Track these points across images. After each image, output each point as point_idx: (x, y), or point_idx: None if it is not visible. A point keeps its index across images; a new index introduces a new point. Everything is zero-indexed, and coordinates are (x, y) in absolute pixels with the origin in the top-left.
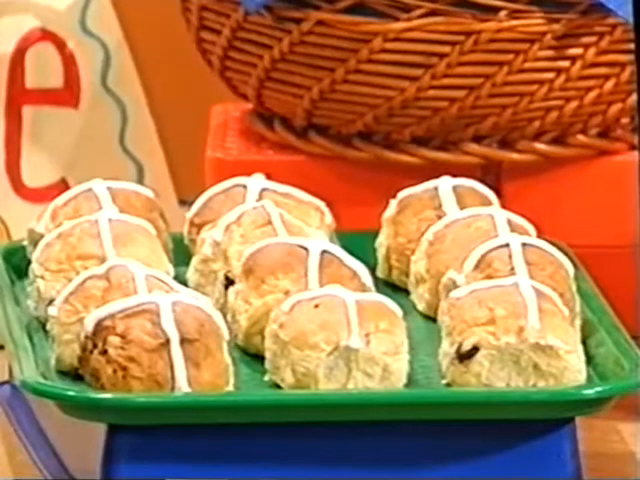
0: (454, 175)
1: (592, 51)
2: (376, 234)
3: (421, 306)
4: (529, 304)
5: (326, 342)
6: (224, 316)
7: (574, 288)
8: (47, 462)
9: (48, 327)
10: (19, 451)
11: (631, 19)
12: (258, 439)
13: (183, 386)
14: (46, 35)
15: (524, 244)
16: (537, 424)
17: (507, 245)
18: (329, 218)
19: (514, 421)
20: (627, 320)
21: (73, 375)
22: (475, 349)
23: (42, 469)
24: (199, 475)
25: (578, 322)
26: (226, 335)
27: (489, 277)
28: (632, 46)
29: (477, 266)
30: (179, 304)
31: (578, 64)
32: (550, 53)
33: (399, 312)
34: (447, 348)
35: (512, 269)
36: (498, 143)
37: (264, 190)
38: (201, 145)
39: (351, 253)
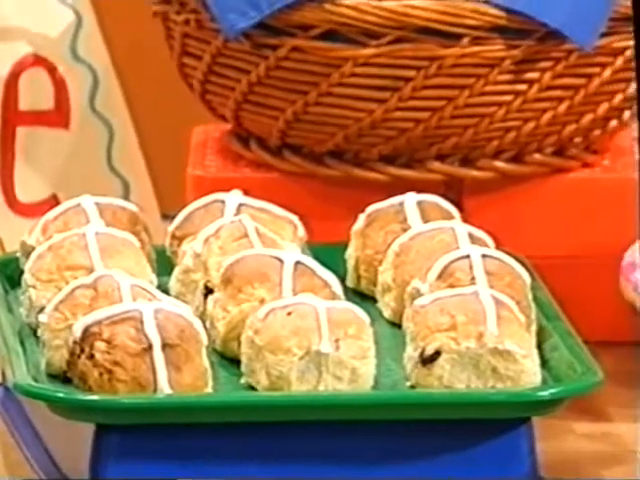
0: (418, 191)
1: (548, 75)
2: (346, 246)
3: (387, 313)
4: (488, 311)
5: (298, 347)
6: (203, 323)
7: (530, 296)
8: (40, 460)
9: (39, 333)
10: (13, 450)
11: (588, 46)
12: (236, 438)
13: (165, 388)
14: (38, 60)
15: (484, 255)
16: (496, 424)
17: (468, 256)
18: (302, 231)
19: (474, 421)
20: (579, 326)
21: (62, 378)
22: (437, 353)
23: (35, 467)
24: (182, 472)
25: (534, 328)
26: (205, 340)
27: (451, 286)
28: (630, 43)
29: (440, 276)
30: (161, 312)
31: (535, 87)
32: (509, 77)
33: (367, 319)
34: (411, 352)
35: (473, 279)
36: (460, 161)
37: (241, 205)
38: (183, 163)
39: (322, 264)
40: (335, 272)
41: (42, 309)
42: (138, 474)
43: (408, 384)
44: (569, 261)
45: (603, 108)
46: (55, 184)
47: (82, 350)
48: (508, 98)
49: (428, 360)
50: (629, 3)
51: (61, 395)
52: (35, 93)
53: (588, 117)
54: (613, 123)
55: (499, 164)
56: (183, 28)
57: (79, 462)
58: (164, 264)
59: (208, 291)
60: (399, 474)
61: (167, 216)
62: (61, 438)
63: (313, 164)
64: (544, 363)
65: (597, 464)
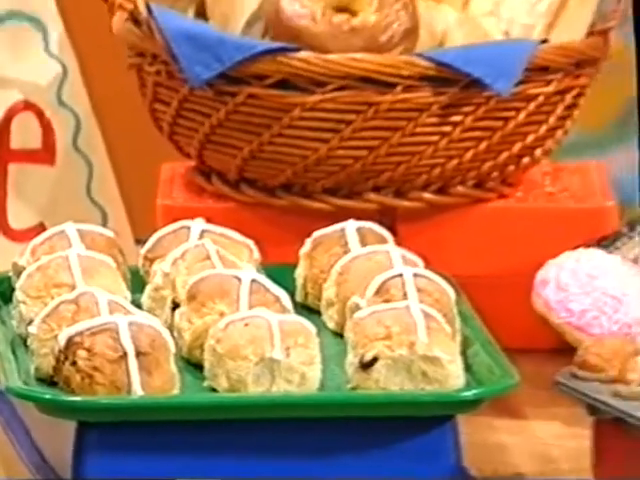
0: (357, 219)
1: (470, 118)
2: (295, 267)
3: (331, 325)
4: (418, 323)
5: (254, 354)
6: (171, 333)
7: (455, 310)
8: (30, 454)
9: (28, 343)
10: (6, 445)
11: (505, 93)
12: (200, 434)
13: (138, 390)
14: (28, 106)
15: (415, 274)
16: (425, 421)
17: (401, 275)
18: (257, 254)
19: (407, 418)
20: (498, 335)
21: (49, 382)
22: (375, 359)
23: (25, 460)
24: (153, 462)
25: (458, 337)
26: (173, 349)
27: (386, 301)
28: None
29: (376, 292)
30: (135, 324)
31: (458, 129)
32: (436, 120)
33: (313, 330)
34: (352, 359)
35: (405, 295)
36: (393, 193)
37: (204, 231)
38: (153, 195)
39: (275, 282)
40: (286, 289)
41: (31, 322)
42: (115, 465)
43: (349, 386)
44: (489, 279)
45: (517, 147)
46: (42, 213)
47: (66, 357)
48: (435, 138)
49: (367, 365)
50: (543, 55)
51: (48, 397)
52: (25, 134)
53: (504, 155)
54: (526, 160)
55: (427, 195)
56: (155, 78)
57: (64, 455)
58: (137, 282)
59: (175, 306)
60: (342, 466)
61: (140, 240)
62: (48, 434)
63: (266, 196)
64: (467, 368)
65: (513, 456)
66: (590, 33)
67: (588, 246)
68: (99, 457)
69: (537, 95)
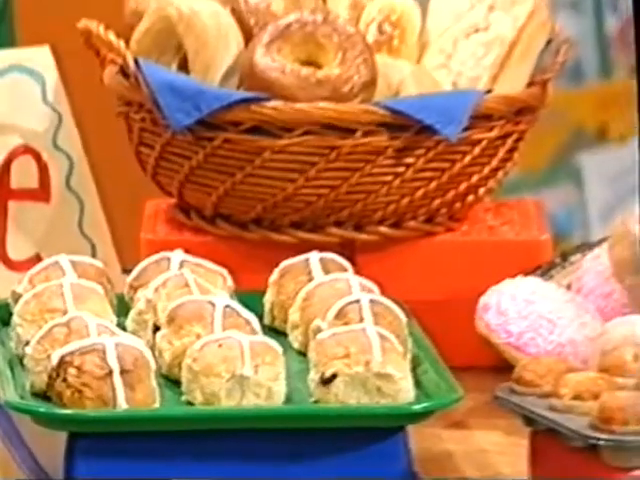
0: (320, 250)
1: (421, 160)
2: (264, 293)
3: (296, 345)
4: (374, 344)
5: (226, 371)
6: (153, 353)
7: (406, 331)
8: (26, 461)
9: (25, 362)
10: (4, 452)
11: (452, 138)
12: (178, 442)
13: (122, 404)
14: (27, 150)
15: (371, 300)
16: (379, 431)
17: (358, 301)
18: (230, 282)
19: (363, 429)
20: (445, 354)
21: (43, 396)
22: (334, 376)
23: (22, 467)
24: (136, 469)
25: (409, 356)
26: (154, 367)
27: (345, 324)
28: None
29: (337, 316)
30: (120, 344)
31: (411, 170)
32: (391, 162)
33: (280, 349)
34: (314, 375)
35: (362, 318)
36: (352, 227)
37: (183, 262)
38: (138, 229)
39: (246, 307)
40: (255, 313)
41: (27, 343)
42: (101, 471)
43: (311, 400)
44: (437, 304)
45: (463, 186)
46: (38, 245)
47: (58, 375)
48: (390, 178)
49: (327, 381)
50: (487, 103)
51: (42, 410)
52: (24, 175)
53: (451, 193)
54: (471, 197)
55: (382, 229)
56: (140, 124)
57: (56, 462)
58: (123, 307)
59: (156, 328)
60: (305, 471)
61: (126, 270)
62: (42, 443)
63: (239, 229)
64: (417, 383)
65: (458, 462)
66: (530, 84)
67: (526, 274)
68: (87, 463)
69: (481, 140)
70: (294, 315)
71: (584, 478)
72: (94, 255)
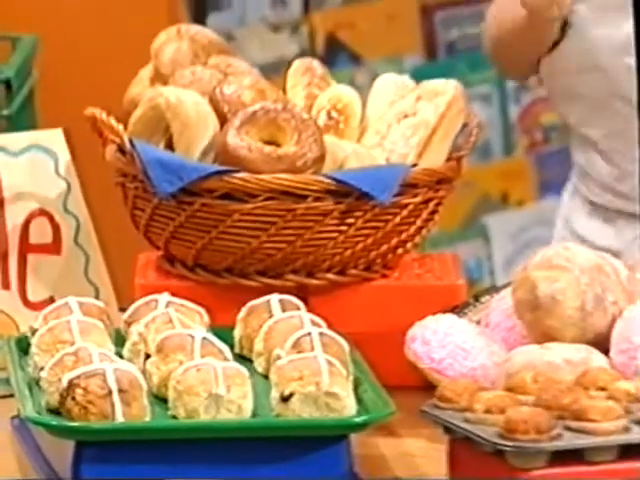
0: (280, 293)
1: (360, 220)
2: (233, 328)
3: (260, 370)
4: (323, 368)
5: (204, 391)
6: (144, 376)
7: (349, 358)
8: (41, 465)
9: (40, 384)
10: (24, 458)
11: (385, 202)
12: (165, 449)
13: (120, 418)
14: (42, 213)
15: (320, 333)
16: (328, 439)
17: (310, 334)
18: (206, 319)
19: (315, 437)
20: (381, 376)
21: (55, 412)
22: (291, 395)
23: (38, 469)
24: (133, 472)
25: (351, 378)
26: (145, 387)
27: (299, 352)
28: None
29: (293, 346)
30: (118, 369)
31: (352, 228)
32: (336, 222)
33: (247, 373)
34: (275, 394)
35: (313, 347)
36: (305, 274)
37: (169, 302)
38: (132, 276)
39: (219, 339)
40: (227, 344)
41: (42, 368)
42: (103, 472)
43: (273, 414)
44: (374, 336)
45: (394, 241)
46: (52, 289)
47: (67, 394)
48: (335, 235)
49: (285, 399)
50: (413, 175)
51: (54, 423)
52: (40, 233)
53: (385, 247)
54: (400, 250)
55: (330, 276)
56: (134, 192)
57: (65, 465)
58: (120, 339)
59: (147, 356)
60: (268, 472)
61: (122, 309)
62: (54, 450)
63: (214, 276)
64: (358, 401)
65: (391, 464)
66: (448, 159)
67: (445, 312)
68: (91, 466)
69: (408, 204)
70: (258, 345)
71: (493, 478)
72: (97, 297)
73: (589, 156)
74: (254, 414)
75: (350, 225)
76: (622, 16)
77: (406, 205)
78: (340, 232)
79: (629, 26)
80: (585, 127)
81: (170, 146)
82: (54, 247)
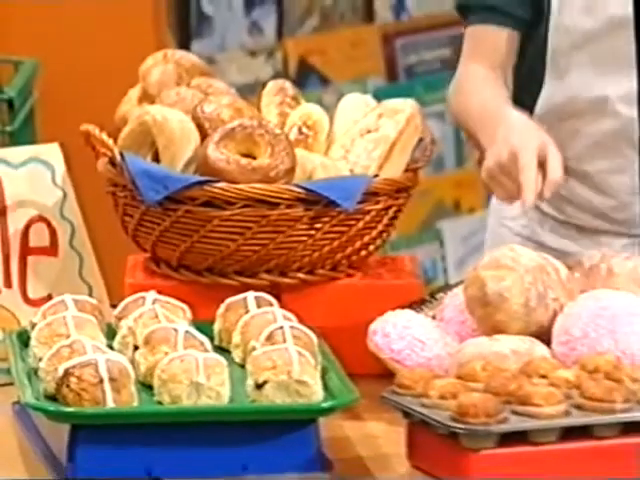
0: (255, 290)
1: (327, 225)
2: (213, 322)
3: (237, 360)
4: (293, 358)
5: (186, 379)
6: (133, 366)
7: (317, 349)
8: (40, 446)
9: (39, 373)
10: (25, 440)
11: (350, 209)
12: (152, 431)
13: (110, 404)
14: (41, 219)
15: (291, 327)
16: (298, 423)
17: (282, 327)
18: (189, 314)
19: (286, 421)
20: (346, 365)
21: (52, 398)
22: (265, 382)
23: (37, 450)
24: (120, 450)
25: (319, 367)
26: (133, 376)
27: (273, 344)
28: None
29: (267, 338)
30: (109, 360)
31: (320, 232)
32: (305, 227)
33: (225, 363)
34: (250, 382)
35: (285, 340)
36: (278, 274)
37: (155, 300)
38: (122, 276)
39: (201, 332)
40: (207, 337)
41: (41, 359)
42: (95, 452)
43: (249, 400)
44: (340, 329)
45: (358, 244)
46: (50, 288)
47: (63, 382)
48: (305, 238)
49: (260, 386)
50: (375, 184)
51: (51, 408)
52: (39, 237)
53: (349, 249)
54: (364, 252)
55: (300, 275)
56: (124, 200)
57: (62, 446)
58: (111, 333)
59: (135, 348)
60: (245, 452)
61: (113, 305)
62: (52, 433)
63: (196, 276)
64: (325, 388)
65: (355, 445)
66: (406, 170)
67: (403, 308)
68: (85, 447)
69: (370, 211)
70: (236, 338)
71: (446, 457)
72: (90, 295)
73: (572, 185)
74: (231, 400)
75: (318, 230)
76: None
77: (368, 212)
78: (309, 236)
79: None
80: (584, 162)
81: (156, 159)
82: (52, 250)
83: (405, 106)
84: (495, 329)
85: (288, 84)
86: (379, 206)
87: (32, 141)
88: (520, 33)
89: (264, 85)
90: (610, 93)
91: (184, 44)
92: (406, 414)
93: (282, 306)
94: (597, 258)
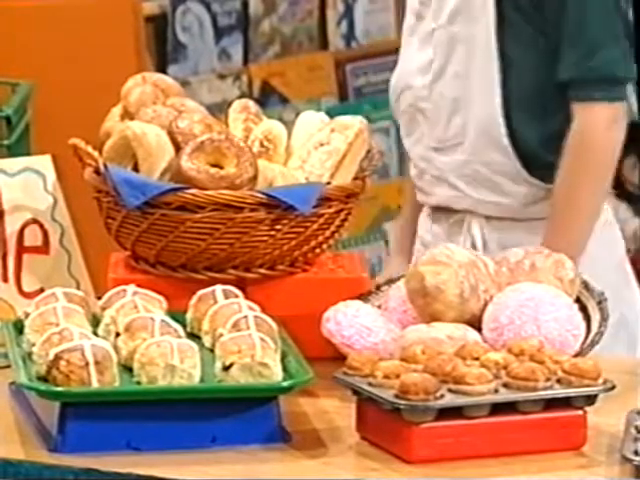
0: (223, 284)
1: (287, 227)
2: (186, 312)
3: (207, 345)
4: (256, 343)
5: (162, 362)
6: (115, 351)
7: (277, 336)
8: (34, 421)
9: (32, 357)
10: (20, 416)
11: (306, 212)
12: (132, 409)
13: (95, 384)
14: (35, 222)
15: (255, 316)
16: (261, 400)
17: (246, 316)
18: (165, 305)
19: (251, 399)
20: (303, 349)
21: (44, 380)
22: (231, 365)
23: (31, 425)
24: (104, 426)
25: (279, 351)
26: (115, 359)
27: (238, 331)
28: None
29: (233, 326)
30: (94, 345)
31: (280, 233)
32: (267, 228)
33: (196, 348)
34: (218, 364)
35: (248, 327)
36: (243, 269)
37: (135, 292)
38: (106, 271)
39: (175, 321)
40: (181, 324)
41: (34, 345)
42: (83, 427)
43: (216, 380)
44: (298, 317)
45: (313, 243)
46: (42, 282)
47: (53, 365)
48: (266, 238)
49: (226, 368)
50: (327, 190)
51: (43, 388)
52: (32, 237)
53: (305, 247)
54: (318, 250)
55: (262, 271)
56: (107, 205)
57: (53, 422)
58: (95, 322)
59: (117, 335)
60: (214, 427)
61: (99, 297)
62: (44, 410)
63: (171, 271)
64: (285, 369)
65: (311, 419)
66: (355, 178)
67: (353, 299)
68: (73, 422)
69: (324, 214)
70: (205, 325)
71: (390, 429)
72: (78, 288)
73: None
74: (202, 380)
75: (278, 231)
76: None
77: (322, 215)
78: (270, 236)
79: None
80: None
81: (136, 169)
82: (44, 249)
83: (354, 122)
84: (433, 317)
85: (252, 103)
86: (331, 210)
87: (27, 153)
88: None
89: (230, 104)
90: None
91: (161, 68)
92: (355, 392)
93: (247, 298)
94: (521, 255)
